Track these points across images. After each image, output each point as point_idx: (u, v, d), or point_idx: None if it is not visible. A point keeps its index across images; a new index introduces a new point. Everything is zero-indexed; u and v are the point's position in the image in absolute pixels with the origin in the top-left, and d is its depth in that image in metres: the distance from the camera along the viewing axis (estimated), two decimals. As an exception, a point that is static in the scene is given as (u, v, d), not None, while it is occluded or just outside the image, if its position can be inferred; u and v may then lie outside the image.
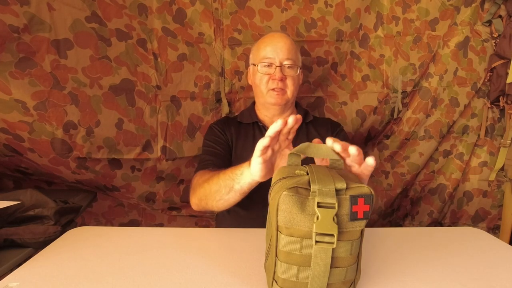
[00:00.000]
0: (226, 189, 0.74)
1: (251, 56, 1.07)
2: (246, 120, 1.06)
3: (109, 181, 1.13)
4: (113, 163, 1.10)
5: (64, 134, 0.99)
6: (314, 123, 1.07)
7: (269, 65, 0.98)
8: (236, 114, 1.20)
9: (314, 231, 0.44)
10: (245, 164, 0.69)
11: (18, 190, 0.93)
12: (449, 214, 1.49)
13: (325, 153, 0.55)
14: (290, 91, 0.99)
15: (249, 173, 0.67)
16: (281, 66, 0.97)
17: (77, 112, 1.00)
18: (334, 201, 0.44)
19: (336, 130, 1.06)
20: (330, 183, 0.46)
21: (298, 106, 1.11)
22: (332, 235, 0.43)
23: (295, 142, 0.98)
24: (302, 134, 1.03)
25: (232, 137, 1.03)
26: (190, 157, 1.23)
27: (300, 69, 1.03)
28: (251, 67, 1.06)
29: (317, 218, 0.44)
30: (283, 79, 0.97)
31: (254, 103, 1.11)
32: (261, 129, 1.04)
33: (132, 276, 0.58)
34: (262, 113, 1.06)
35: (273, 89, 0.97)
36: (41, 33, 0.94)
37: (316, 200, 0.44)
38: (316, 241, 0.44)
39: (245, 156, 0.97)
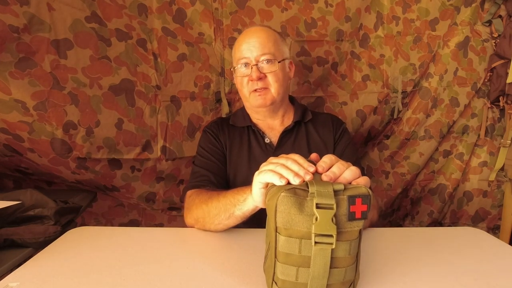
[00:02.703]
0: (226, 214, 0.69)
1: (232, 59, 1.00)
2: (240, 124, 0.99)
3: (109, 181, 1.13)
4: (113, 163, 1.10)
5: (64, 134, 0.99)
6: (314, 122, 1.00)
7: (246, 65, 0.90)
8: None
9: (313, 232, 0.44)
10: (248, 191, 0.63)
11: (18, 190, 0.93)
12: (449, 214, 1.49)
13: None
14: (274, 88, 0.90)
15: (253, 200, 0.61)
16: (257, 64, 0.89)
17: (77, 112, 1.00)
18: (332, 202, 0.44)
19: (338, 130, 1.00)
20: (328, 184, 0.46)
21: (295, 102, 1.04)
22: (331, 235, 0.43)
23: (294, 143, 0.98)
24: (301, 135, 0.98)
25: (226, 142, 0.97)
26: (190, 157, 1.23)
27: (284, 61, 0.93)
28: (232, 70, 0.98)
29: (316, 219, 0.44)
30: (262, 78, 0.89)
31: None
32: (256, 133, 0.98)
33: (132, 276, 0.58)
34: (255, 117, 1.00)
35: (254, 90, 0.90)
36: (41, 33, 0.94)
37: (315, 201, 0.44)
38: (316, 242, 0.44)
39: (241, 163, 0.95)
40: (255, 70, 0.88)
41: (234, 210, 0.68)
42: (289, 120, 0.99)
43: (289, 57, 0.98)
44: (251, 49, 0.89)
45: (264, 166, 0.55)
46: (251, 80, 0.90)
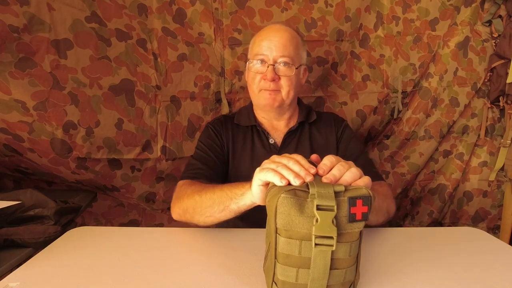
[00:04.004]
0: (220, 207, 0.67)
1: (248, 50, 0.98)
2: (244, 123, 0.98)
3: (109, 181, 1.13)
4: (113, 163, 1.10)
5: (64, 134, 0.99)
6: (317, 123, 1.00)
7: (262, 62, 0.88)
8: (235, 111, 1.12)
9: (313, 233, 0.44)
10: (247, 186, 0.62)
11: (18, 190, 0.93)
12: (449, 214, 1.49)
13: None
14: (285, 92, 0.89)
15: (251, 196, 0.60)
16: (274, 64, 0.87)
17: (77, 112, 1.00)
18: (333, 203, 0.44)
19: (340, 128, 0.99)
20: (328, 186, 0.46)
21: (300, 104, 1.03)
22: (331, 237, 0.43)
23: (298, 144, 0.98)
24: (305, 136, 0.97)
25: (229, 141, 0.96)
26: (189, 157, 1.23)
27: (300, 67, 0.92)
28: (247, 62, 0.96)
29: (316, 220, 0.44)
30: (275, 79, 0.87)
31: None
32: (260, 133, 0.96)
33: (132, 276, 0.58)
34: (260, 115, 0.99)
35: (265, 90, 0.89)
36: (41, 33, 0.94)
37: (315, 202, 0.44)
38: (316, 244, 0.44)
39: (244, 163, 0.95)
40: (270, 70, 0.86)
41: (230, 204, 0.65)
42: (293, 121, 0.98)
43: (305, 63, 0.96)
44: (272, 48, 0.87)
45: (266, 164, 0.55)
46: (264, 79, 0.88)
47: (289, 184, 0.49)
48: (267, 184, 0.55)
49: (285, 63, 0.87)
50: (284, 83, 0.89)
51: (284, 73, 0.88)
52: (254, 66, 0.90)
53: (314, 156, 0.57)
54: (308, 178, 0.48)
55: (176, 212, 0.78)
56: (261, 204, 0.59)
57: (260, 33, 0.93)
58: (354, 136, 1.01)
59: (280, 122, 0.98)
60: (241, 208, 0.65)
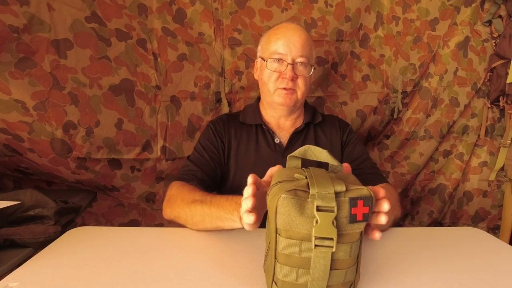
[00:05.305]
0: (212, 225, 0.70)
1: (259, 47, 0.97)
2: (250, 121, 0.97)
3: (109, 181, 1.13)
4: (112, 163, 1.10)
5: (63, 134, 0.99)
6: (322, 124, 1.00)
7: (280, 61, 0.89)
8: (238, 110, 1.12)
9: (313, 235, 0.43)
10: (235, 213, 0.62)
11: (18, 190, 0.93)
12: (449, 214, 1.49)
13: (324, 157, 0.54)
14: (300, 91, 0.91)
15: (239, 225, 0.61)
16: (293, 63, 0.88)
17: (76, 112, 1.00)
18: (333, 204, 0.44)
19: (345, 132, 1.00)
20: (329, 186, 0.45)
21: (306, 104, 1.03)
22: (331, 239, 0.43)
23: (303, 144, 0.95)
24: (310, 137, 0.97)
25: (230, 141, 0.95)
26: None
27: (313, 67, 0.93)
28: (259, 60, 0.96)
29: (316, 222, 0.44)
30: (294, 79, 0.88)
31: (259, 99, 1.02)
32: (266, 133, 0.96)
33: (132, 276, 0.58)
34: (268, 113, 0.98)
35: (282, 88, 0.89)
36: (41, 33, 0.94)
37: (315, 203, 0.44)
38: (316, 245, 0.43)
39: (248, 162, 0.94)
40: (290, 69, 0.88)
41: (218, 222, 0.68)
42: (300, 121, 0.99)
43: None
44: (291, 47, 0.88)
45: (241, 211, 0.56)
46: (283, 78, 0.89)
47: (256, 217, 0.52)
48: (256, 208, 0.54)
49: (303, 63, 0.89)
50: (300, 82, 0.90)
51: (302, 72, 0.90)
52: (272, 65, 0.90)
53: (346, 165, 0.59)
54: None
55: (168, 214, 0.80)
56: (252, 229, 0.59)
57: (275, 31, 0.92)
58: (359, 140, 1.02)
59: (287, 121, 0.98)
60: (232, 228, 0.67)
